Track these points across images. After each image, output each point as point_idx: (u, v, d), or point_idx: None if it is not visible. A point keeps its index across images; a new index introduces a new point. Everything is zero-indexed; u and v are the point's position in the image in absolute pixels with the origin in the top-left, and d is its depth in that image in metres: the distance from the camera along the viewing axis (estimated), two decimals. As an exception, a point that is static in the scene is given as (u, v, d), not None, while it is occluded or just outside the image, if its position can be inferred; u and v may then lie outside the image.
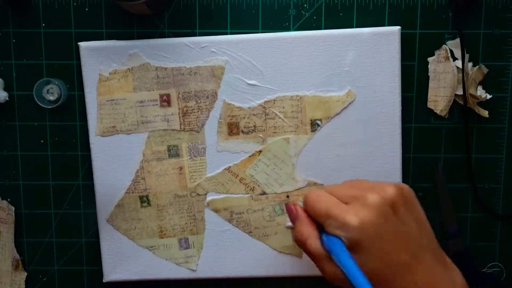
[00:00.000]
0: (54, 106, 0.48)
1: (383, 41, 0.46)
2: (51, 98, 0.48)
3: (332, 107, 0.47)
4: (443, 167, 0.49)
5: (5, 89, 0.48)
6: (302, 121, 0.47)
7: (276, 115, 0.47)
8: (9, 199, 0.50)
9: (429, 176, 0.50)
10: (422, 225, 0.36)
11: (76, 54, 0.48)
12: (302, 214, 0.38)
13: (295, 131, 0.48)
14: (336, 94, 0.47)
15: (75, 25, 0.48)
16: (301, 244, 0.37)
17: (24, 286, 0.51)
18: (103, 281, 0.49)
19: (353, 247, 0.34)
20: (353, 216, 0.34)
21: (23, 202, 0.50)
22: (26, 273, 0.51)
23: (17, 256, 0.51)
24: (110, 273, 0.49)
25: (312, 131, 0.48)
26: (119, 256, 0.49)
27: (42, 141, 0.49)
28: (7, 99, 0.48)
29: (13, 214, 0.50)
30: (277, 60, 0.47)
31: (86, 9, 0.48)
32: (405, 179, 0.49)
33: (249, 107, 0.47)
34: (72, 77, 0.49)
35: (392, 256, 0.34)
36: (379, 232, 0.34)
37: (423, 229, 0.36)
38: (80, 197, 0.50)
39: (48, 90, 0.48)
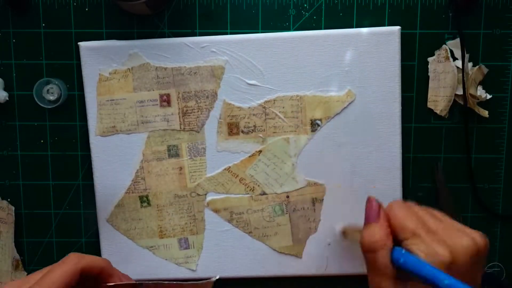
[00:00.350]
0: (54, 106, 0.48)
1: (383, 41, 0.46)
2: (51, 98, 0.48)
3: (332, 107, 0.47)
4: (443, 167, 0.49)
5: (5, 89, 0.48)
6: (302, 121, 0.47)
7: (276, 115, 0.47)
8: (9, 199, 0.50)
9: (429, 176, 0.50)
10: (479, 279, 0.36)
11: (76, 54, 0.48)
12: (384, 219, 0.36)
13: (295, 131, 0.48)
14: (336, 94, 0.47)
15: (75, 25, 0.48)
16: (369, 250, 0.35)
17: (24, 286, 0.51)
18: (103, 281, 0.49)
19: None
20: (445, 250, 0.32)
21: (23, 202, 0.50)
22: (26, 273, 0.51)
23: (17, 256, 0.51)
24: (110, 273, 0.49)
25: (312, 131, 0.48)
26: (119, 256, 0.49)
27: (42, 141, 0.49)
28: (7, 99, 0.48)
29: (13, 214, 0.50)
30: (277, 60, 0.47)
31: (86, 9, 0.48)
32: (405, 179, 0.49)
33: (249, 107, 0.47)
34: (72, 77, 0.49)
35: None
36: (461, 275, 0.32)
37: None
38: (80, 197, 0.50)
39: (48, 90, 0.48)
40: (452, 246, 0.33)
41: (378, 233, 0.35)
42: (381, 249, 0.34)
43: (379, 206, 0.36)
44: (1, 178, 0.50)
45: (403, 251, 0.33)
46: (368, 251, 0.35)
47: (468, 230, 0.35)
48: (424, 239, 0.33)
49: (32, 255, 0.51)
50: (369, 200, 0.37)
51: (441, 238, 0.33)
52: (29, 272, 0.51)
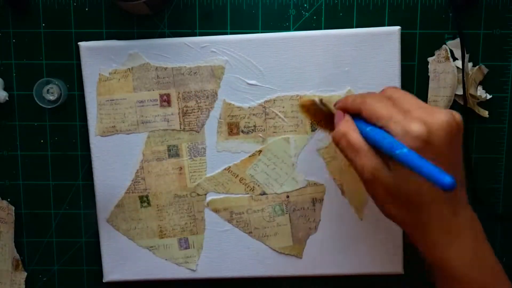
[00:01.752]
0: (54, 106, 0.48)
1: (383, 41, 0.46)
2: (51, 98, 0.48)
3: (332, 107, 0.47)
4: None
5: (5, 89, 0.48)
6: (302, 121, 0.47)
7: (276, 115, 0.47)
8: (9, 199, 0.50)
9: (429, 176, 0.50)
10: (461, 160, 0.36)
11: (76, 54, 0.48)
12: (346, 117, 0.37)
13: (295, 131, 0.48)
14: (336, 94, 0.47)
15: (75, 25, 0.48)
16: (339, 138, 0.36)
17: (24, 286, 0.51)
18: (103, 281, 0.49)
19: None
20: (420, 126, 0.32)
21: (23, 202, 0.50)
22: (26, 273, 0.51)
23: (17, 256, 0.51)
24: (110, 273, 0.49)
25: (312, 131, 0.48)
26: (119, 256, 0.49)
27: (42, 141, 0.49)
28: (7, 99, 0.48)
29: (13, 214, 0.50)
30: (277, 60, 0.47)
31: (86, 9, 0.48)
32: (405, 179, 0.49)
33: (249, 107, 0.47)
34: (72, 77, 0.49)
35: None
36: (439, 149, 0.32)
37: (462, 164, 0.36)
38: (80, 197, 0.50)
39: (48, 90, 0.48)
40: (427, 121, 0.32)
41: (342, 124, 0.37)
42: (347, 130, 0.36)
43: (345, 112, 0.38)
44: (1, 178, 0.50)
45: (373, 129, 0.34)
46: (336, 142, 0.37)
47: (444, 108, 0.35)
48: (397, 120, 0.33)
49: (32, 255, 0.51)
50: (337, 113, 0.39)
51: (416, 115, 0.33)
52: (29, 272, 0.51)
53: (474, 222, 0.37)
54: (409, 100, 0.35)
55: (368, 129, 0.35)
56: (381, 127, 0.34)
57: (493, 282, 0.36)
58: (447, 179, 0.29)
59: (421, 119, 0.33)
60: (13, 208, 0.50)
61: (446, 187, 0.29)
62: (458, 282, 0.35)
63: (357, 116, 0.37)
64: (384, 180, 0.34)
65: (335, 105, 0.41)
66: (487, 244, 0.37)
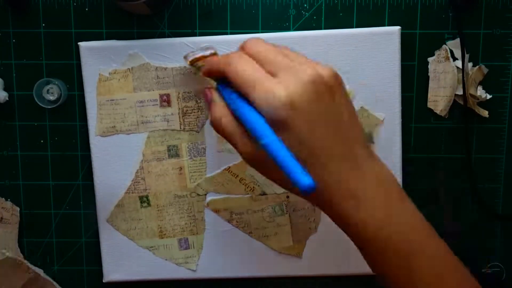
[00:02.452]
0: (54, 106, 0.48)
1: (383, 41, 0.46)
2: (51, 98, 0.48)
3: (332, 107, 0.47)
4: (443, 167, 0.49)
5: (5, 89, 0.48)
6: (302, 121, 0.47)
7: (276, 115, 0.47)
8: (9, 199, 0.50)
9: (429, 176, 0.50)
10: (354, 116, 0.33)
11: (76, 54, 0.48)
12: (216, 97, 0.35)
13: (295, 131, 0.47)
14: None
15: (75, 25, 0.48)
16: (215, 127, 0.34)
17: (24, 286, 0.51)
18: (103, 281, 0.49)
19: (277, 125, 0.30)
20: (282, 90, 0.29)
21: (23, 202, 0.50)
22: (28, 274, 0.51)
23: (21, 256, 0.50)
24: (110, 273, 0.49)
25: (312, 131, 0.47)
26: (119, 256, 0.49)
27: (42, 141, 0.50)
28: (7, 99, 0.48)
29: (18, 215, 0.50)
30: (277, 60, 0.47)
31: (86, 9, 0.48)
32: (405, 179, 0.49)
33: (249, 107, 0.47)
34: (72, 77, 0.49)
35: (324, 144, 0.30)
36: (310, 112, 0.30)
37: (355, 120, 0.33)
38: (80, 197, 0.50)
39: (48, 90, 0.48)
40: (289, 81, 0.30)
41: (213, 109, 0.34)
42: (221, 117, 0.33)
43: (210, 90, 0.36)
44: (1, 178, 0.50)
45: (235, 97, 0.32)
46: (216, 127, 0.34)
47: (312, 62, 0.32)
48: (260, 86, 0.30)
49: (32, 255, 0.51)
50: (204, 93, 0.37)
51: (282, 78, 0.30)
52: (29, 272, 0.51)
53: (383, 179, 0.33)
54: (274, 55, 0.32)
55: (237, 103, 0.32)
56: (246, 96, 0.31)
57: (414, 239, 0.32)
58: (305, 180, 0.28)
59: (285, 82, 0.30)
60: (18, 209, 0.50)
61: (302, 188, 0.28)
62: (372, 245, 0.32)
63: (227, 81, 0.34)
64: (264, 164, 0.32)
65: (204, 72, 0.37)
66: (404, 202, 0.33)
